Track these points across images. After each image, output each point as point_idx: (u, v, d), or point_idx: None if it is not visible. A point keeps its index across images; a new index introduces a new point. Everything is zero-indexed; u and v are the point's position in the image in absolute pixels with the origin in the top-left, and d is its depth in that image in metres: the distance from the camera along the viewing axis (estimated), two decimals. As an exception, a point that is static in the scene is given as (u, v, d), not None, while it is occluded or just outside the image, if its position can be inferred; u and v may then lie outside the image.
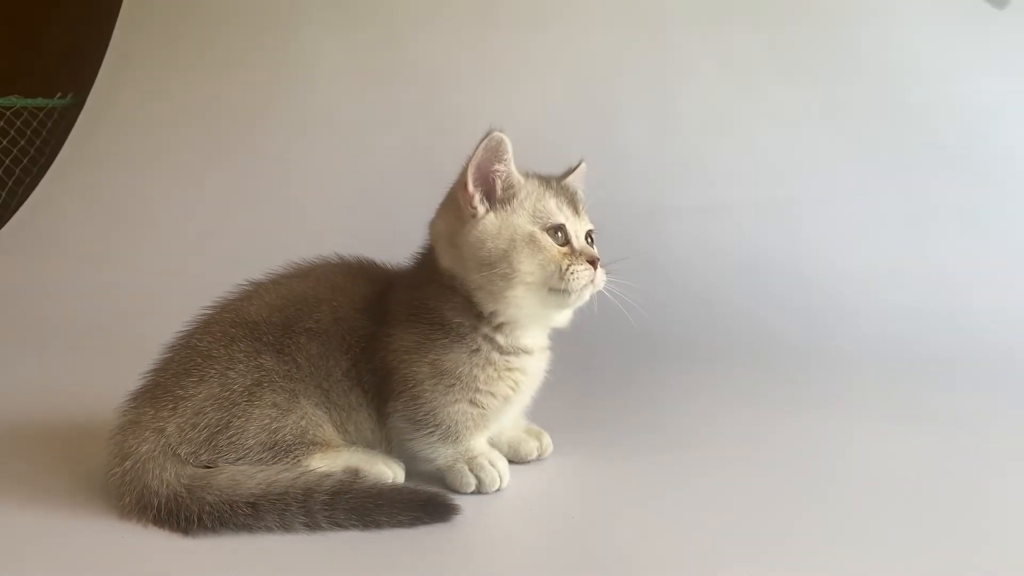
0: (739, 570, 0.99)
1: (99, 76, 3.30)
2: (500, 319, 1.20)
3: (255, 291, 1.28)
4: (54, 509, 1.13)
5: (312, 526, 1.06)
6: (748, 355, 2.14)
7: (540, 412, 1.39)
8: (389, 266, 1.35)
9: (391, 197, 2.61)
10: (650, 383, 1.91)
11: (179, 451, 1.13)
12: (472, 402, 1.21)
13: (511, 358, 1.22)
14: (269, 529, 1.06)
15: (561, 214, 1.20)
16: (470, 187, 1.17)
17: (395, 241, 1.32)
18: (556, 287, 1.16)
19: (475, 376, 1.20)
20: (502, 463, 1.23)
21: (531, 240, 1.16)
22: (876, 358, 2.09)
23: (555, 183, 1.25)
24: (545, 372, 1.30)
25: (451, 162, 3.02)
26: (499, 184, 1.18)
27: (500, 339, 1.21)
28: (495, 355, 1.21)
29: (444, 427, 1.20)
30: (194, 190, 2.92)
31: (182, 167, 2.98)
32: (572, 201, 1.23)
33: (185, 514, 1.06)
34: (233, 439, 1.13)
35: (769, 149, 2.62)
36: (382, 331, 1.22)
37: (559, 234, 1.19)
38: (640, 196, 2.58)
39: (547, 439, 1.36)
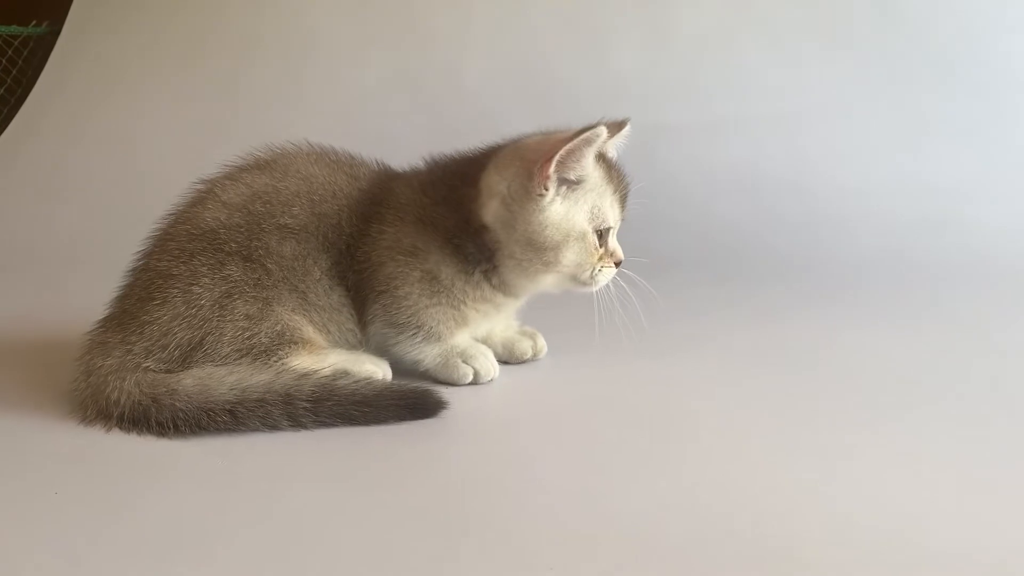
0: (729, 466, 0.95)
1: (74, 3, 3.19)
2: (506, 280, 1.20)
3: (209, 192, 1.21)
4: (24, 422, 1.09)
5: (298, 427, 1.03)
6: (747, 270, 2.09)
7: (536, 319, 1.36)
8: (371, 162, 1.28)
9: (376, 122, 2.54)
10: (648, 298, 1.86)
11: (145, 365, 1.08)
12: (454, 307, 1.20)
13: (499, 294, 1.21)
14: (252, 430, 1.02)
15: (612, 215, 1.18)
16: (551, 170, 1.11)
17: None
18: (580, 280, 1.18)
19: (466, 292, 1.19)
20: (491, 354, 1.24)
21: (583, 239, 1.15)
22: (876, 269, 2.04)
23: (616, 174, 1.20)
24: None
25: (434, 87, 2.91)
26: (575, 171, 1.13)
27: (495, 280, 1.20)
28: (486, 286, 1.20)
29: (427, 328, 1.19)
30: (174, 118, 2.82)
31: (161, 95, 2.88)
32: (623, 197, 1.21)
33: (157, 420, 1.02)
34: (208, 351, 1.09)
35: (764, 65, 2.52)
36: (373, 228, 1.18)
37: (602, 235, 1.17)
38: (634, 116, 2.46)
39: (541, 340, 1.33)
